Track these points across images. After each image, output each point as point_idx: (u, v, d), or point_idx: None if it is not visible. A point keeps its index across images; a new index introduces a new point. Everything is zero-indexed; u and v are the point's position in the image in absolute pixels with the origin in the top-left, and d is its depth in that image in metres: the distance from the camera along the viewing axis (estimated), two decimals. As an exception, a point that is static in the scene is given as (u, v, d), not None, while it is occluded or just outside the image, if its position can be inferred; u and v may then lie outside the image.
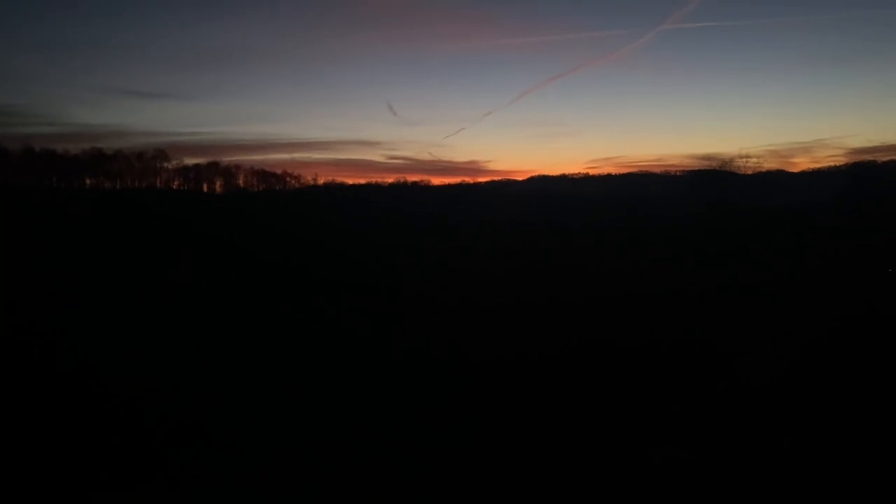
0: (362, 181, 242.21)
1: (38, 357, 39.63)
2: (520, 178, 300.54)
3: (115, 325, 53.79)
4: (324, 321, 60.62)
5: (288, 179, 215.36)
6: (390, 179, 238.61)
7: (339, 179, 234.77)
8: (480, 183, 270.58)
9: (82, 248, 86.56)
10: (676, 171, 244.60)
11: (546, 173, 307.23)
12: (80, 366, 40.44)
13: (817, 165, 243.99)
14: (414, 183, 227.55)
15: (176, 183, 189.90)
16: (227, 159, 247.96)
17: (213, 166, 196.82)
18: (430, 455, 30.84)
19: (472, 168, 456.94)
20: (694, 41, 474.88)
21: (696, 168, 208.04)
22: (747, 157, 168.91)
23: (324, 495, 25.93)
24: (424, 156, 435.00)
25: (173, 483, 25.00)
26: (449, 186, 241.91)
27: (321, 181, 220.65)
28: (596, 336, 51.12)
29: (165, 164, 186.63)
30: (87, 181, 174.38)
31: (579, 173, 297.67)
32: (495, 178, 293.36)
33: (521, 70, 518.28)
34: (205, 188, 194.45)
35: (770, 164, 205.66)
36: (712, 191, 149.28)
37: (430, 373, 45.37)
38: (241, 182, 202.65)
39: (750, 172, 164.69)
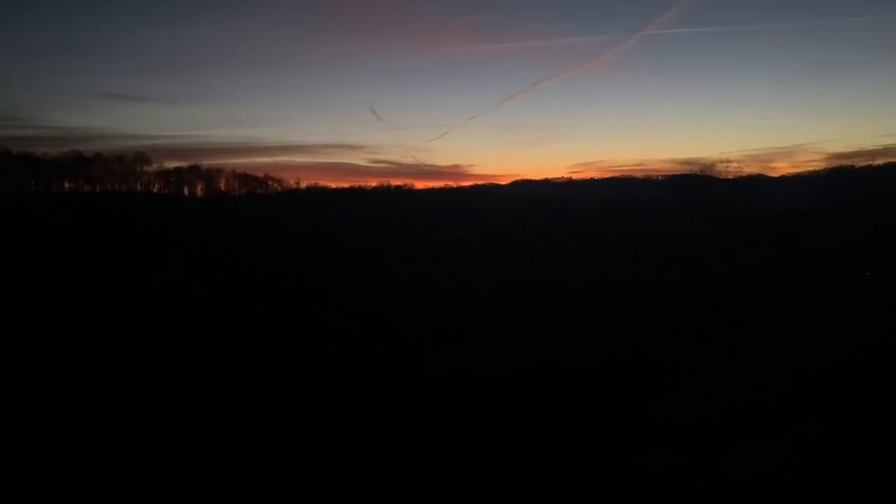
0: (345, 185, 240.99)
1: (22, 362, 38.85)
2: (503, 183, 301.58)
3: (99, 329, 52.97)
4: (310, 327, 60.13)
5: (270, 183, 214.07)
6: (374, 183, 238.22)
7: (323, 183, 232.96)
8: (464, 187, 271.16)
9: (62, 253, 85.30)
10: (658, 176, 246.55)
11: (529, 177, 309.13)
12: (66, 370, 39.70)
13: (797, 170, 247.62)
14: (397, 187, 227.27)
15: (156, 186, 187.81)
16: (208, 163, 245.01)
17: (195, 170, 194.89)
18: (420, 458, 30.64)
19: (455, 172, 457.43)
20: (675, 47, 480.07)
21: (678, 172, 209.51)
22: (728, 161, 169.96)
23: (317, 496, 25.62)
24: (408, 160, 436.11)
25: (169, 485, 24.58)
26: (432, 190, 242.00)
27: (304, 185, 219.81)
28: (581, 353, 50.71)
29: (146, 168, 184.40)
30: (67, 185, 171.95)
31: (562, 177, 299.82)
32: (479, 182, 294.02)
33: (504, 75, 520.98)
34: (186, 192, 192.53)
35: (750, 169, 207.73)
36: (695, 195, 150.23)
37: (417, 380, 45.01)
38: (222, 186, 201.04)
39: (731, 177, 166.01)
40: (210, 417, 34.49)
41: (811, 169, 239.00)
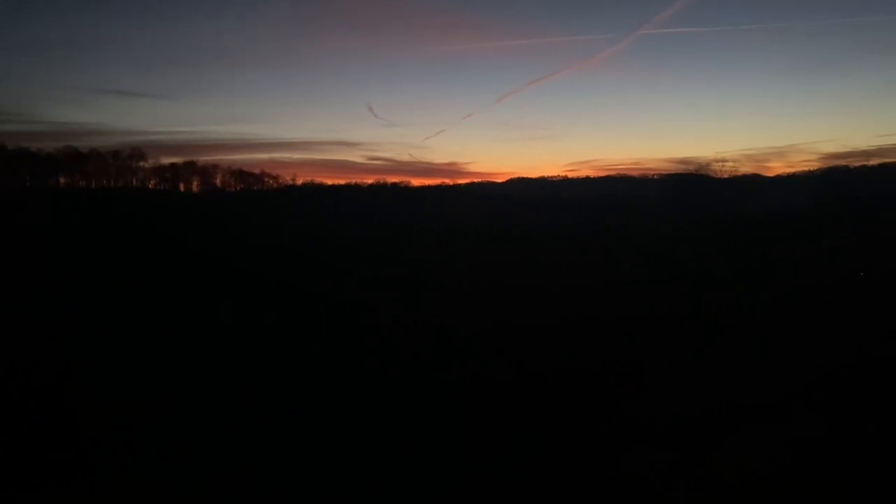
0: (342, 182, 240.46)
1: (14, 357, 38.86)
2: (499, 180, 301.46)
3: (93, 324, 52.92)
4: (302, 326, 60.08)
5: (266, 179, 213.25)
6: (370, 180, 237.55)
7: (319, 180, 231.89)
8: (460, 184, 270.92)
9: (56, 248, 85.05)
10: (654, 175, 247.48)
11: (525, 175, 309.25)
12: (58, 365, 39.72)
13: (792, 170, 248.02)
14: (394, 184, 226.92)
15: (152, 182, 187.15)
16: (204, 159, 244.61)
17: (190, 166, 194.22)
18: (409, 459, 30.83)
19: (451, 170, 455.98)
20: (671, 46, 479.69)
21: (674, 171, 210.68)
22: (723, 160, 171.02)
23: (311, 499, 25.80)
24: (405, 157, 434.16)
25: (161, 483, 24.76)
26: (429, 188, 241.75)
27: (300, 181, 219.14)
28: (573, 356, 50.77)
29: (141, 164, 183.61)
30: (62, 180, 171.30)
31: (558, 176, 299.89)
32: (475, 180, 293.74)
33: (501, 73, 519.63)
34: (181, 188, 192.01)
35: (746, 168, 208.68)
36: (690, 194, 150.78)
37: (404, 385, 45.05)
38: (218, 182, 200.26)
39: (726, 176, 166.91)
40: (200, 417, 34.60)
41: (806, 169, 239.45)
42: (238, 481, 27.19)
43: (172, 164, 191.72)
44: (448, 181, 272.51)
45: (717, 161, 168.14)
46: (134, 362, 44.33)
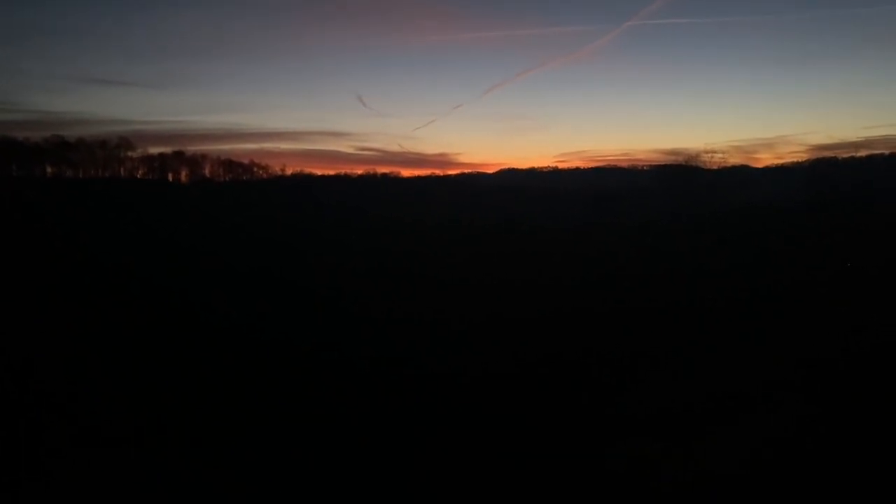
0: (331, 172, 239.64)
1: None
2: (489, 171, 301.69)
3: (78, 317, 52.44)
4: (291, 320, 59.75)
5: (255, 170, 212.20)
6: (360, 171, 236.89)
7: (308, 170, 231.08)
8: (450, 175, 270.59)
9: (42, 238, 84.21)
10: (643, 166, 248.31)
11: (515, 166, 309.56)
12: (41, 358, 39.39)
13: (780, 161, 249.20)
14: (384, 175, 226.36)
15: (140, 172, 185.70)
16: (193, 149, 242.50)
17: (179, 156, 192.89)
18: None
19: (442, 160, 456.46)
20: (661, 38, 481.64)
21: (663, 163, 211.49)
22: (712, 152, 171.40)
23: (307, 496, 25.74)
24: (395, 147, 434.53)
25: (161, 474, 24.63)
26: (419, 179, 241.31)
27: (289, 172, 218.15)
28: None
29: (129, 153, 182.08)
30: (49, 170, 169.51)
31: (548, 167, 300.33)
32: (465, 171, 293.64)
33: (491, 64, 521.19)
34: (170, 178, 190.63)
35: (734, 160, 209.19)
36: (679, 185, 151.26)
37: (398, 377, 44.93)
38: (207, 172, 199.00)
39: (715, 167, 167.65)
40: (192, 408, 34.43)
41: (794, 160, 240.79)
42: (231, 472, 27.08)
43: (161, 154, 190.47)
44: (438, 172, 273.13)
45: (706, 152, 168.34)
46: (122, 354, 43.93)
